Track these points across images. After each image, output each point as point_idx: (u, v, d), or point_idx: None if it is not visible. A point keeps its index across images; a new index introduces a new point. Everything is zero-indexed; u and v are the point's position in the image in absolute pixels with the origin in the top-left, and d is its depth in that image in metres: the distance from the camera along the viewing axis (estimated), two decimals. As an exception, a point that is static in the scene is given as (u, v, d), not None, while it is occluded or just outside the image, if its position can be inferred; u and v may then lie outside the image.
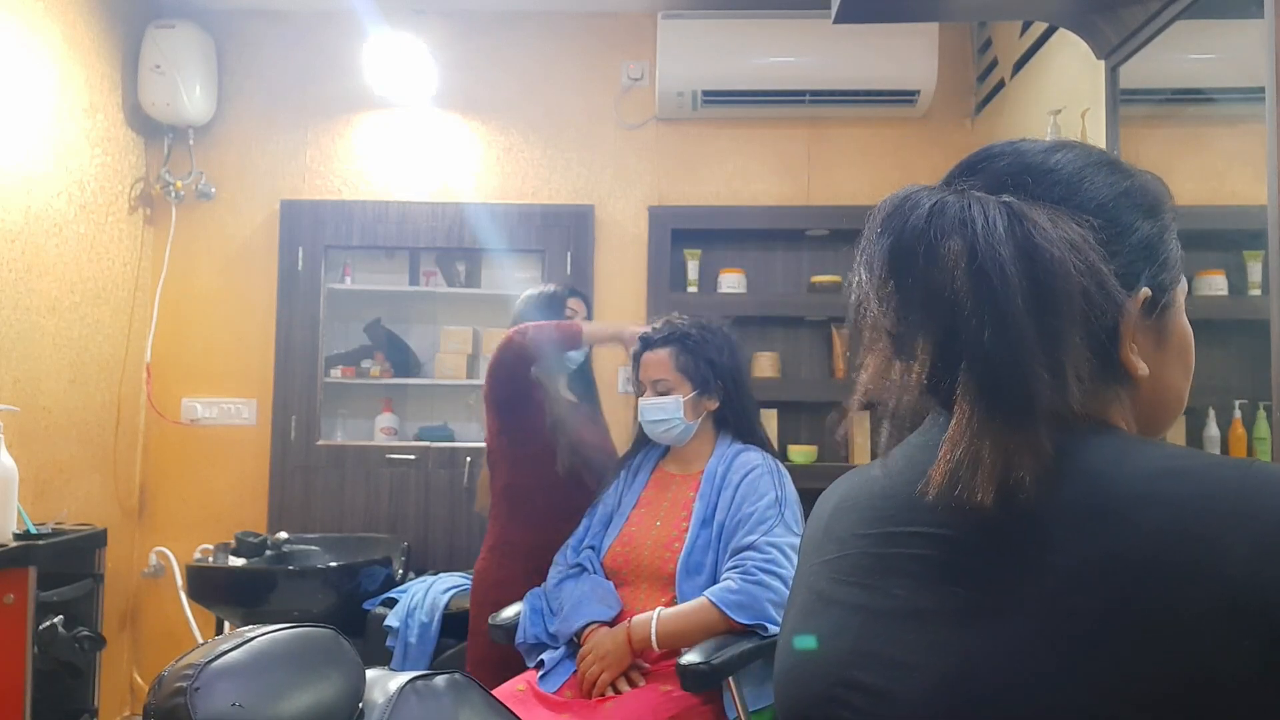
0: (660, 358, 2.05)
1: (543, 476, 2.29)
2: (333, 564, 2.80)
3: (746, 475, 1.95)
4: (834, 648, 0.69)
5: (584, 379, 2.52)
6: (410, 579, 2.91)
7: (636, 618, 1.86)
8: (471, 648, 2.35)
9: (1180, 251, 0.74)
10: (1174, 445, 0.64)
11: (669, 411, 2.02)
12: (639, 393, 2.09)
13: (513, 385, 2.29)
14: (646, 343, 2.09)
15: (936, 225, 0.63)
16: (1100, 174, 0.70)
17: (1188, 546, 0.55)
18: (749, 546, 1.85)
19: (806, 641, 0.72)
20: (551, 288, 2.55)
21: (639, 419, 2.08)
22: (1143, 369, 0.69)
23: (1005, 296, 0.60)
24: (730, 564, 1.86)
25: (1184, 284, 0.74)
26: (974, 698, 0.59)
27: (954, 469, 0.63)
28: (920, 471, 0.69)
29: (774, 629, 1.77)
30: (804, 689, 0.71)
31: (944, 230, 0.62)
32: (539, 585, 2.15)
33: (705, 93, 3.26)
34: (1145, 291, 0.68)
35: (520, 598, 2.14)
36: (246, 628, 0.99)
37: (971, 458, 0.61)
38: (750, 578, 1.80)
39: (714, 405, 2.05)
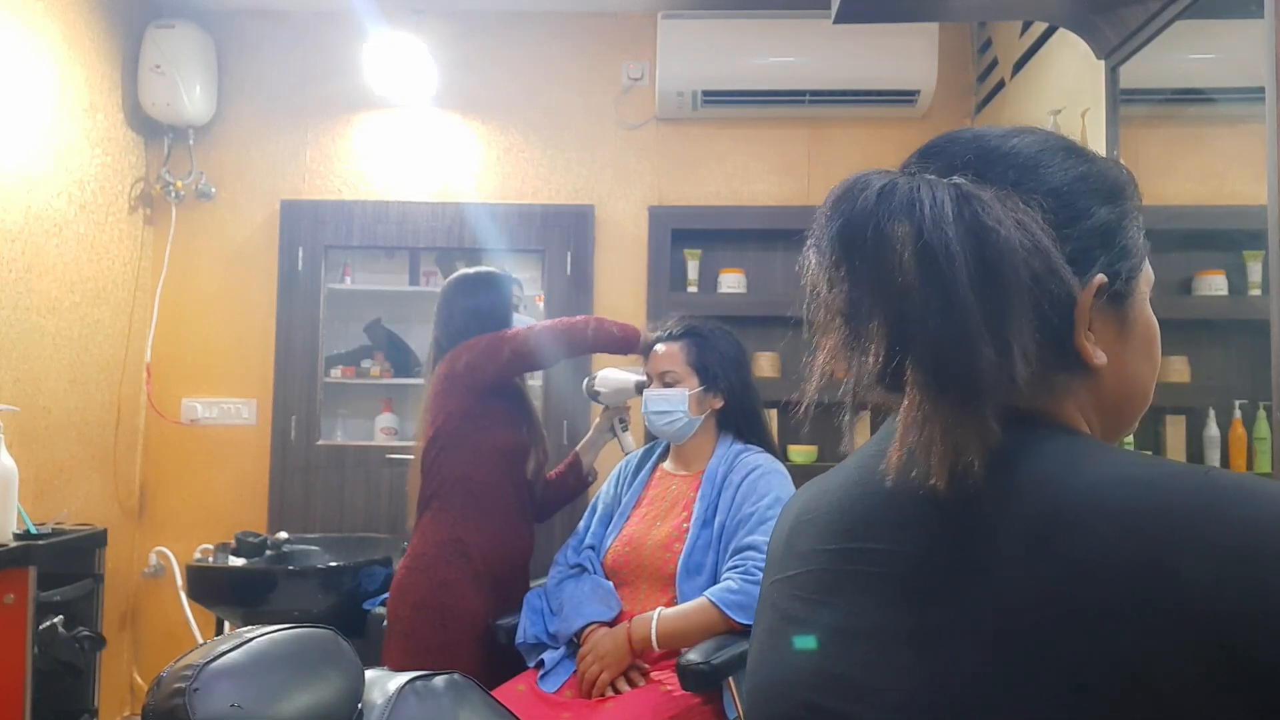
0: (671, 351, 2.06)
1: (507, 473, 2.18)
2: (333, 564, 2.80)
3: (748, 475, 1.95)
4: (798, 669, 0.68)
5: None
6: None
7: (636, 618, 1.86)
8: (394, 650, 2.08)
9: (1144, 241, 0.71)
10: (1130, 452, 0.62)
11: (673, 404, 2.02)
12: (646, 385, 2.10)
13: (506, 374, 2.16)
14: (660, 336, 2.11)
15: (885, 207, 0.62)
16: (1057, 158, 0.69)
17: (1141, 570, 0.53)
18: (749, 546, 1.85)
19: (780, 655, 0.70)
20: (491, 268, 2.34)
21: (643, 409, 2.08)
22: (1099, 358, 0.67)
23: (950, 276, 0.59)
24: (730, 564, 1.86)
25: (1148, 274, 0.72)
26: None
27: (909, 452, 0.62)
28: (878, 483, 0.67)
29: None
30: (770, 711, 0.70)
31: (892, 212, 0.61)
32: (490, 594, 2.11)
33: (705, 93, 3.26)
34: (1100, 277, 0.66)
35: (468, 604, 2.08)
36: (245, 628, 0.99)
37: (925, 441, 0.60)
38: (750, 578, 1.80)
39: (718, 404, 2.05)
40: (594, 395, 2.29)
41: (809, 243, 0.67)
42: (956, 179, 0.63)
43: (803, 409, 0.70)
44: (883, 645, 0.62)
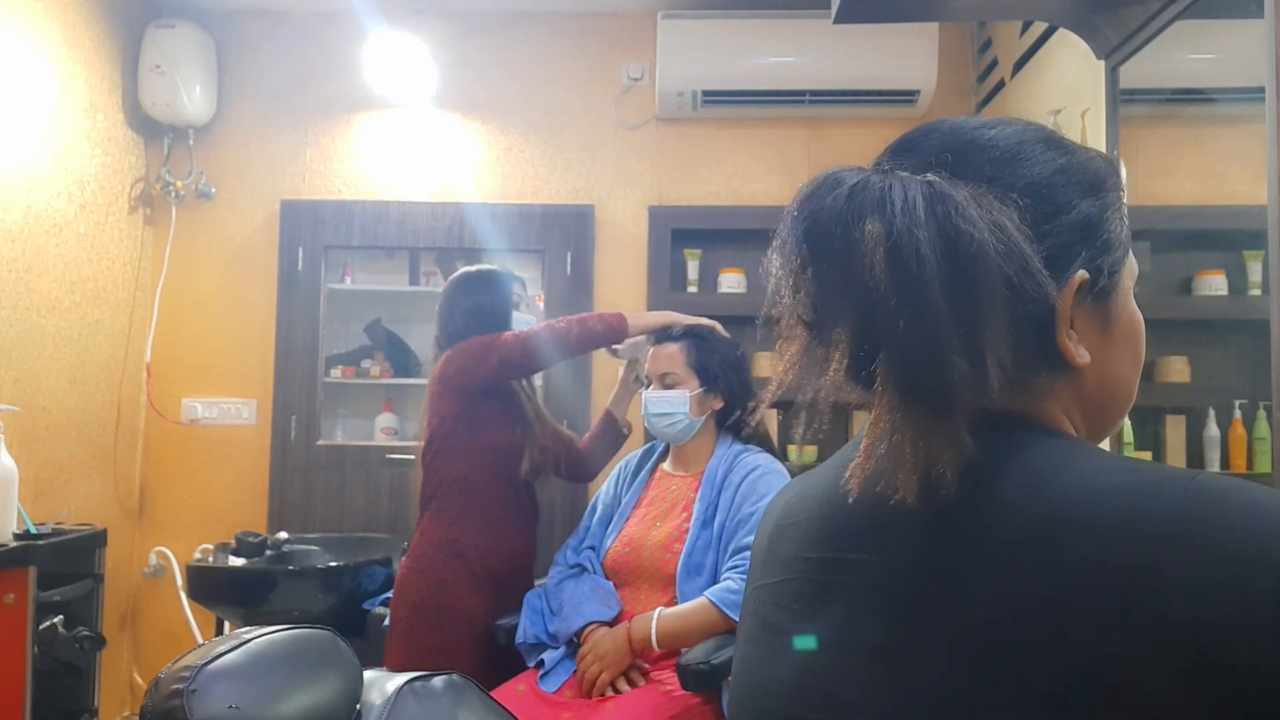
0: (671, 352, 2.06)
1: (502, 473, 2.18)
2: (333, 564, 2.80)
3: (747, 476, 1.95)
4: (781, 682, 0.66)
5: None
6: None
7: (636, 618, 1.87)
8: (394, 650, 2.12)
9: (1127, 233, 0.68)
10: (1116, 457, 0.60)
11: (674, 405, 2.02)
12: (645, 386, 2.10)
13: (495, 380, 2.15)
14: (659, 337, 2.11)
15: (855, 206, 0.59)
16: (1037, 149, 0.66)
17: (1125, 578, 0.52)
18: (749, 547, 1.84)
19: (762, 666, 0.69)
20: (493, 266, 2.33)
21: (643, 412, 2.08)
22: (1082, 357, 0.64)
23: (921, 281, 0.56)
24: (730, 564, 1.86)
25: (1132, 266, 0.69)
26: None
27: (875, 465, 0.60)
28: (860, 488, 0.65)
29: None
30: None
31: (862, 212, 0.58)
32: (489, 595, 2.11)
33: (705, 93, 3.25)
34: (1082, 274, 0.64)
35: (465, 604, 2.09)
36: (243, 629, 0.99)
37: (893, 453, 0.58)
38: (750, 578, 1.80)
39: (719, 404, 2.05)
40: (613, 351, 2.31)
41: (774, 244, 0.64)
42: (930, 177, 0.61)
43: (756, 420, 0.68)
44: (867, 662, 0.61)
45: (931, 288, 0.56)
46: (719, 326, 2.17)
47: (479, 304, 2.23)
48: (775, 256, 0.64)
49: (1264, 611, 0.50)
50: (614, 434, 2.39)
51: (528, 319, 2.30)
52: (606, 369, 3.24)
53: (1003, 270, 0.58)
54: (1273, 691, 0.49)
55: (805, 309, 0.63)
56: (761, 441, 2.08)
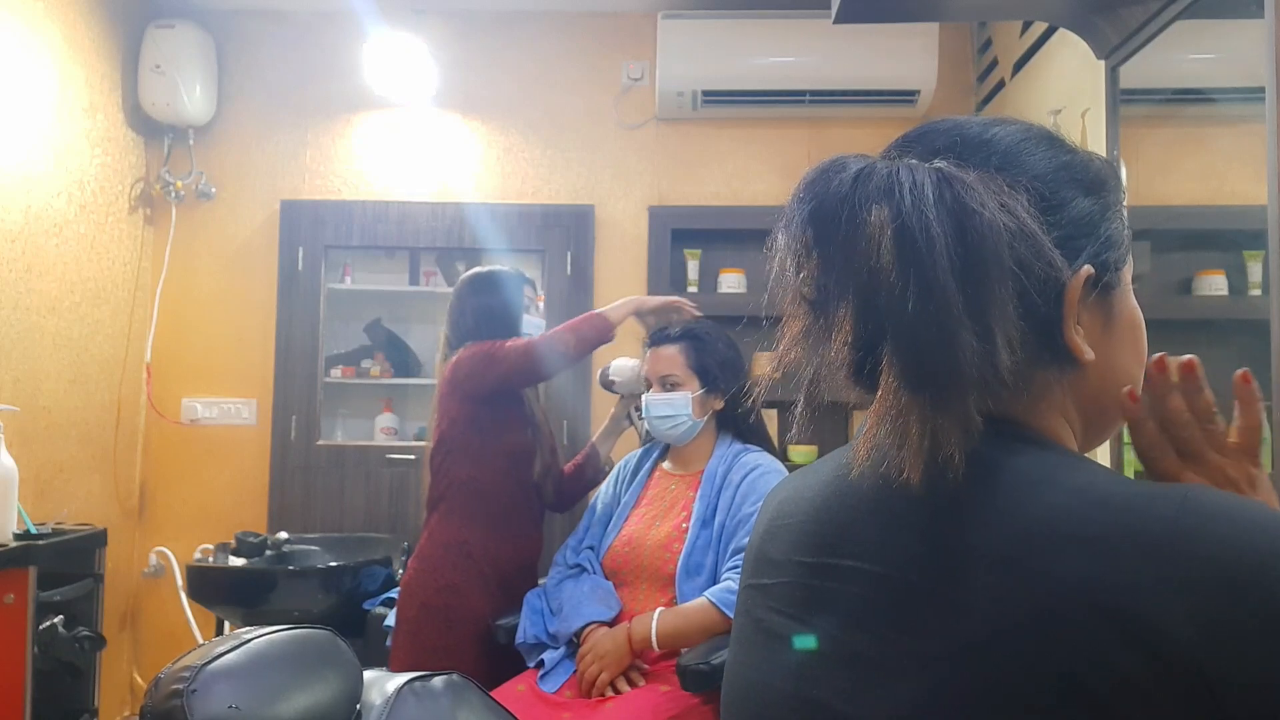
0: (671, 353, 2.05)
1: (511, 475, 2.18)
2: (333, 564, 2.80)
3: (747, 475, 1.95)
4: (774, 689, 0.66)
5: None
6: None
7: (637, 618, 1.86)
8: (400, 650, 2.13)
9: (1128, 232, 0.69)
10: (1106, 471, 0.59)
11: (676, 408, 2.01)
12: (645, 388, 2.09)
13: (501, 389, 2.16)
14: (656, 338, 2.10)
15: (861, 191, 0.59)
16: (1040, 147, 0.67)
17: (1113, 595, 0.51)
18: (749, 547, 1.84)
19: (756, 671, 0.69)
20: (504, 268, 2.32)
21: (644, 414, 2.08)
22: (1089, 353, 0.64)
23: (930, 260, 0.56)
24: (730, 564, 1.86)
25: (1131, 264, 0.70)
26: None
27: (879, 445, 0.60)
28: (854, 492, 0.65)
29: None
30: None
31: (869, 196, 0.58)
32: (499, 596, 2.11)
33: (705, 93, 3.26)
34: (1087, 269, 0.63)
35: (473, 605, 2.09)
36: (243, 629, 0.99)
37: (898, 432, 0.58)
38: (750, 578, 1.80)
39: (719, 405, 2.05)
40: (608, 385, 2.29)
41: (779, 224, 0.64)
42: (938, 163, 0.61)
43: (755, 398, 0.68)
44: (857, 671, 0.60)
45: (940, 266, 0.56)
46: (686, 303, 2.17)
47: (490, 304, 2.24)
48: (780, 236, 0.63)
49: (1256, 623, 0.50)
50: (593, 468, 2.37)
51: (537, 323, 2.30)
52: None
53: (1014, 250, 0.58)
54: (1260, 704, 0.49)
55: (809, 288, 0.63)
56: (761, 441, 2.09)
